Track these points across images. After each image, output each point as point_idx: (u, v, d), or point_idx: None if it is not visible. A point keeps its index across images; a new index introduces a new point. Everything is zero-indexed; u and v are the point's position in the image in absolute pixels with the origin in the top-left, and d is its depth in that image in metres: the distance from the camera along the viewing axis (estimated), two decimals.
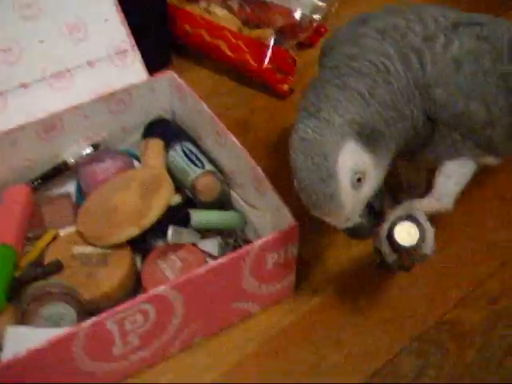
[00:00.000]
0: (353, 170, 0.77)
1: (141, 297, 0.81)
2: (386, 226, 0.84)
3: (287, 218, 0.87)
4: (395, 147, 0.81)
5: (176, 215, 0.95)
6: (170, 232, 0.88)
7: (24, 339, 0.80)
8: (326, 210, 0.78)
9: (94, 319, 0.79)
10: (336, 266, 0.99)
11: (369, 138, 0.78)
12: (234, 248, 0.96)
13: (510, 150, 0.91)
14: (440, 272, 0.98)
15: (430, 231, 0.85)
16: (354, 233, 0.82)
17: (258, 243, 0.85)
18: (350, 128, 0.77)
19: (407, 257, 0.84)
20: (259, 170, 0.92)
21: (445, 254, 0.99)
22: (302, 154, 0.76)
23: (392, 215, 0.85)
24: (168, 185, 0.95)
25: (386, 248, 0.84)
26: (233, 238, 0.99)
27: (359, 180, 0.78)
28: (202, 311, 0.88)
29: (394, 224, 0.83)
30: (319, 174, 0.76)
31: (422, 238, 0.82)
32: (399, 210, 0.87)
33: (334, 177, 0.76)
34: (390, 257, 0.84)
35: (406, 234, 0.82)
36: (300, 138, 0.77)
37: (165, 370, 0.90)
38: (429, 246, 0.85)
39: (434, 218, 0.87)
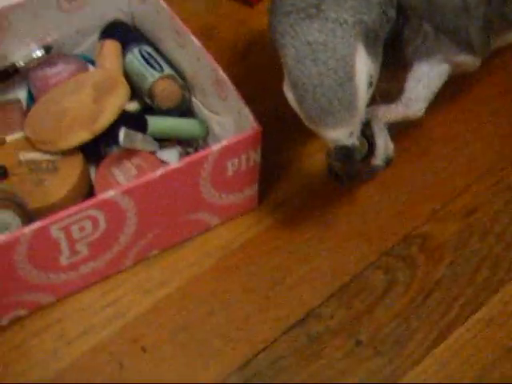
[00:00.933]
0: (368, 73, 0.71)
1: (88, 201, 0.75)
2: None
3: (250, 122, 0.81)
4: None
5: (132, 122, 0.89)
6: (121, 134, 0.82)
7: None
8: (339, 119, 0.70)
9: (37, 224, 0.73)
10: (302, 178, 0.94)
11: (371, 40, 0.71)
12: None
13: (487, 49, 0.84)
14: (413, 186, 0.93)
15: (382, 142, 0.80)
16: (349, 154, 0.74)
17: (216, 147, 0.79)
18: (360, 29, 0.70)
19: (349, 166, 0.78)
20: (221, 71, 0.85)
21: (419, 167, 0.95)
22: (311, 59, 0.68)
23: None
24: (123, 87, 0.88)
25: (332, 156, 0.78)
26: (193, 147, 0.93)
27: (371, 84, 0.72)
28: (156, 221, 0.82)
29: None
30: (335, 78, 0.68)
31: (371, 149, 0.78)
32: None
33: (352, 80, 0.69)
34: (337, 166, 0.79)
35: None
36: (306, 42, 0.68)
37: (118, 283, 0.85)
38: (379, 158, 0.80)
39: (407, 130, 0.82)
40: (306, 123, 0.72)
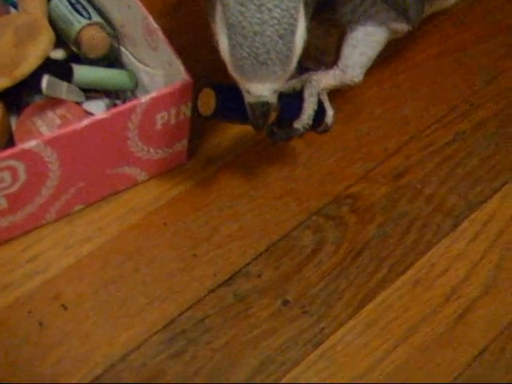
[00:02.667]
0: (304, 31, 0.68)
1: (7, 151, 0.71)
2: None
3: (181, 74, 0.78)
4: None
5: (57, 70, 0.84)
6: (44, 81, 0.78)
7: None
8: (271, 73, 0.67)
9: None
10: (234, 135, 0.91)
11: (307, 2, 0.69)
12: None
13: (420, 17, 0.83)
14: (346, 147, 0.92)
15: (310, 109, 0.79)
16: (266, 112, 0.71)
17: (145, 99, 0.76)
18: None
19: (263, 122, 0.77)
20: (152, 20, 0.81)
21: (351, 127, 0.94)
22: (256, 4, 0.64)
23: (286, 86, 0.78)
24: (47, 33, 0.83)
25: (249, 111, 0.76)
26: (121, 99, 0.89)
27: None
28: (81, 175, 0.79)
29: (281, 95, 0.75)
30: (278, 29, 0.65)
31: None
32: (295, 82, 0.81)
33: (294, 35, 0.66)
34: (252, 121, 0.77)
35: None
36: None
37: (39, 238, 0.81)
38: (301, 122, 0.79)
39: (343, 93, 0.81)
40: (234, 73, 0.68)
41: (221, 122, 0.91)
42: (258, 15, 0.65)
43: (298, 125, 0.80)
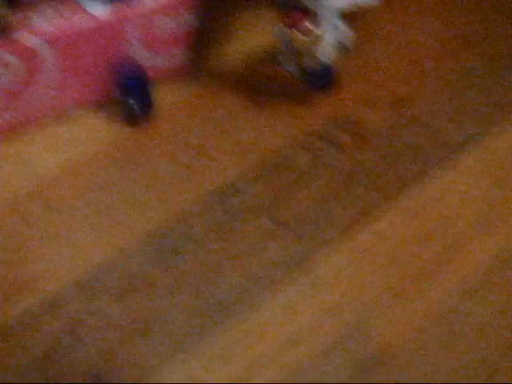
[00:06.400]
0: None
1: (3, 44, 0.70)
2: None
3: None
4: None
5: None
6: None
7: None
8: None
9: None
10: (235, 55, 0.90)
11: None
12: None
13: None
14: (349, 70, 0.90)
15: (332, 39, 0.77)
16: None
17: (149, 2, 0.74)
18: None
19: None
20: None
21: (361, 54, 0.92)
22: None
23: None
24: None
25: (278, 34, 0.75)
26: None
27: None
28: (79, 76, 0.77)
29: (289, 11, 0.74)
30: None
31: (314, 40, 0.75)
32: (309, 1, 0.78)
33: None
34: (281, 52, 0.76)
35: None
36: None
37: (30, 138, 0.81)
38: (320, 52, 0.77)
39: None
40: None
41: (226, 36, 0.89)
42: None
43: (324, 58, 0.77)
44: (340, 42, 0.81)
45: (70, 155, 0.80)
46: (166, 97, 0.85)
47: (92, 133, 0.82)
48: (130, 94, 0.77)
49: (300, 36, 0.75)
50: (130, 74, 0.76)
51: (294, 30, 0.75)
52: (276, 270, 0.77)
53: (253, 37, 0.90)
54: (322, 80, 0.81)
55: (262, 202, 0.80)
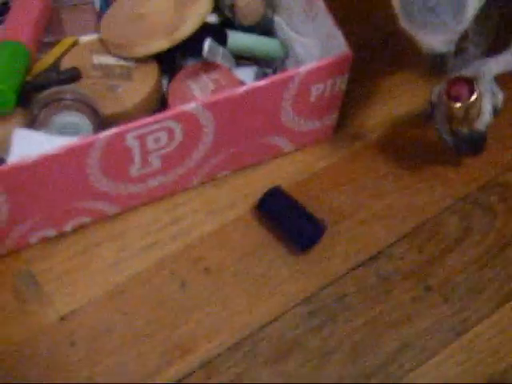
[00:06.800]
0: None
1: (168, 112, 0.72)
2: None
3: (340, 45, 0.76)
4: None
5: (212, 34, 0.84)
6: (206, 45, 0.78)
7: (33, 144, 0.71)
8: (441, 21, 0.66)
9: (113, 130, 0.70)
10: (384, 113, 0.89)
11: None
12: None
13: None
14: (499, 134, 0.88)
15: (489, 105, 0.76)
16: (442, 61, 0.72)
17: (304, 69, 0.74)
18: None
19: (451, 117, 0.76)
20: None
21: (506, 115, 0.90)
22: None
23: (457, 73, 0.75)
24: None
25: (434, 99, 0.75)
26: (272, 68, 0.89)
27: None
28: (232, 139, 0.78)
29: (451, 81, 0.74)
30: None
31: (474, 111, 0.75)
32: (467, 70, 0.78)
33: None
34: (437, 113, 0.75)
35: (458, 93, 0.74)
36: None
37: (184, 200, 0.82)
38: (483, 122, 0.76)
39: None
40: (404, 23, 0.67)
41: (371, 98, 0.89)
42: None
43: (480, 125, 0.77)
44: (495, 108, 0.79)
45: (223, 217, 0.81)
46: (311, 160, 0.85)
47: (243, 195, 0.82)
48: None
49: (458, 105, 0.74)
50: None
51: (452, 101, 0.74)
52: (430, 339, 0.75)
53: (399, 100, 0.90)
54: (473, 145, 0.80)
55: (415, 268, 0.79)
